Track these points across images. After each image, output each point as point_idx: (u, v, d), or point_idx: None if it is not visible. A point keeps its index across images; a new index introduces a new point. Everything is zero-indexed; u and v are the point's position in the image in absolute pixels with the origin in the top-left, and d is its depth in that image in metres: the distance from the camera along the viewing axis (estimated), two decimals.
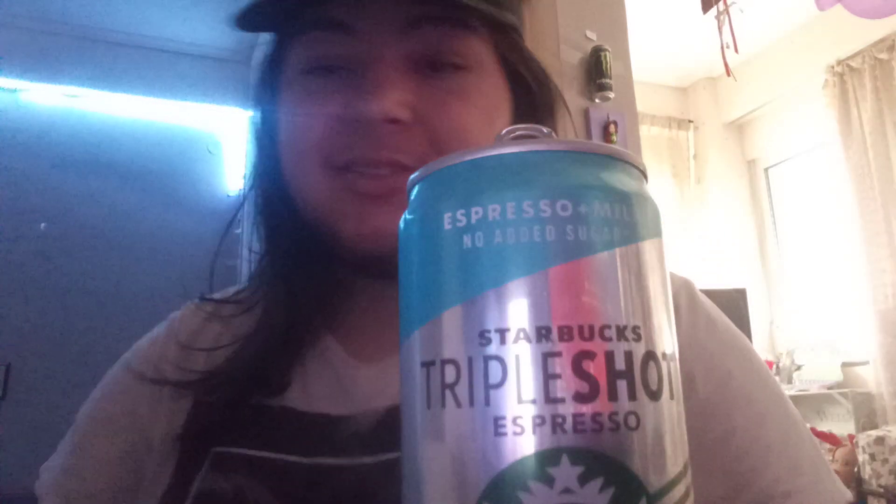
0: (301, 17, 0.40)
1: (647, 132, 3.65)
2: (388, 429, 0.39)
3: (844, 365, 3.22)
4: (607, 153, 0.18)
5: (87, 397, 0.48)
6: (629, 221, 0.17)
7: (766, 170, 3.87)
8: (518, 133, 0.21)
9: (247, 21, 0.40)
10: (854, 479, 2.54)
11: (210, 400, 0.43)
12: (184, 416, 0.43)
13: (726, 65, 2.26)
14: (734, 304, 3.13)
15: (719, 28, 2.20)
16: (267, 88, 0.45)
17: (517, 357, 0.16)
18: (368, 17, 0.39)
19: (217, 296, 0.51)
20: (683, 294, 0.45)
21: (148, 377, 0.45)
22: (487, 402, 0.16)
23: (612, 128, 1.89)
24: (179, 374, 0.44)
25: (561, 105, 0.48)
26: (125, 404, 0.46)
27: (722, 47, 2.18)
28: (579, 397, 0.15)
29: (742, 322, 3.11)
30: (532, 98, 0.46)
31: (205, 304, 0.50)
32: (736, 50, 2.17)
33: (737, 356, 0.43)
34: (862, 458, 2.55)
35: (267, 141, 0.44)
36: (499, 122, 0.43)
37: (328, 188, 0.40)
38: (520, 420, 0.15)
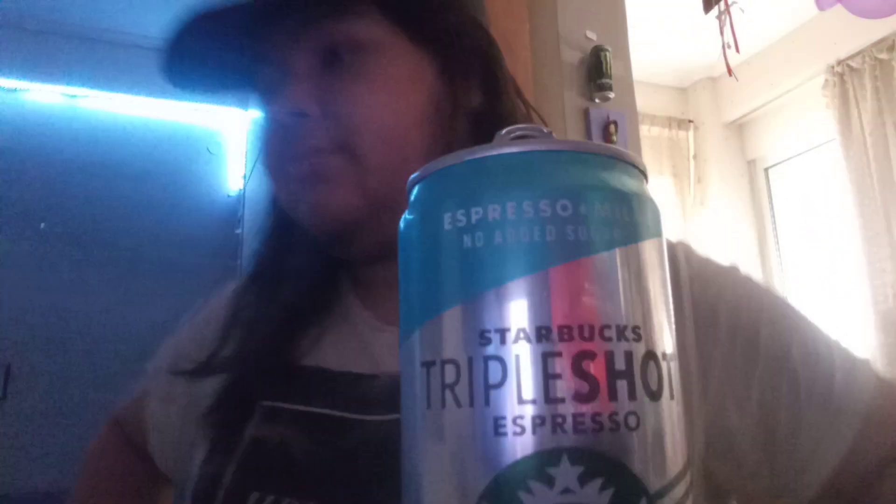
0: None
1: (647, 132, 3.64)
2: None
3: None
4: (607, 153, 0.18)
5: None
6: (629, 221, 0.17)
7: (766, 170, 3.87)
8: (518, 133, 0.21)
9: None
10: None
11: (245, 366, 0.48)
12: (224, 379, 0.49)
13: (728, 65, 2.26)
14: None
15: (720, 28, 2.20)
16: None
17: (517, 357, 0.16)
18: (276, 39, 0.45)
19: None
20: (680, 251, 0.46)
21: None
22: (487, 402, 0.16)
23: (612, 128, 1.89)
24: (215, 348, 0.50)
25: (498, 51, 0.50)
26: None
27: (723, 47, 2.18)
28: (579, 397, 0.15)
29: None
30: (454, 51, 0.47)
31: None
32: (737, 49, 2.17)
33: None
34: None
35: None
36: (417, 86, 0.45)
37: (278, 179, 0.47)
38: (520, 420, 0.15)
